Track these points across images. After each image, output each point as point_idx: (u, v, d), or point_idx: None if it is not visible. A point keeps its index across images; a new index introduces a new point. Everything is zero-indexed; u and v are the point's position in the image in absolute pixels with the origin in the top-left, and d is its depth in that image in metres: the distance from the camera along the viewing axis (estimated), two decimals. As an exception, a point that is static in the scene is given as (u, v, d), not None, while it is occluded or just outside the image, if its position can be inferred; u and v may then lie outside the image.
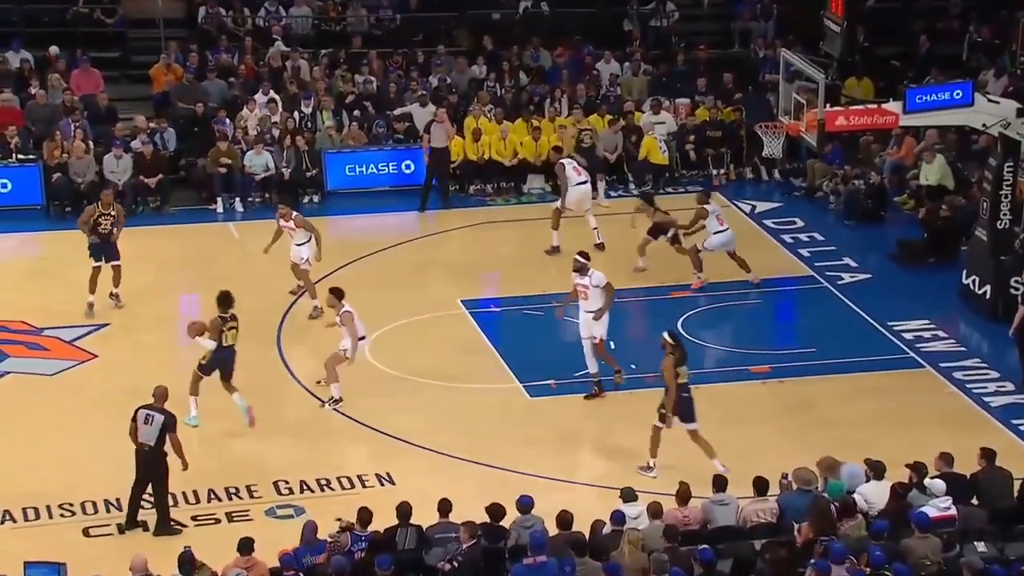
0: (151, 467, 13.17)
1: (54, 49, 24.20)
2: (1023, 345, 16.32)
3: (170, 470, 13.37)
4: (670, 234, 19.27)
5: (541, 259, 20.36)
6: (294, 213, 18.12)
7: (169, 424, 13.08)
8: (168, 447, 13.29)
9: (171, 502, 13.71)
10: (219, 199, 22.41)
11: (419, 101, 23.94)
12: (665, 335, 14.30)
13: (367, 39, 26.05)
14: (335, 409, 15.75)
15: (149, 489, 13.38)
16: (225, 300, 15.19)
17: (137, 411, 13.25)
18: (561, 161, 20.48)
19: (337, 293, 15.73)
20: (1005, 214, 18.01)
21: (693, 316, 18.36)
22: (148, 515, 13.44)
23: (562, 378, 16.44)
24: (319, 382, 16.16)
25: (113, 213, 18.08)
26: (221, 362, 15.06)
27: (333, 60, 25.25)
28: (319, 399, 16.06)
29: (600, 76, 25.55)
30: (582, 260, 15.93)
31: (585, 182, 20.32)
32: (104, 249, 17.99)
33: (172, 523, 13.28)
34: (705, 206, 19.40)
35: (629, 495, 12.43)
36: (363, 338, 15.78)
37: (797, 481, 12.30)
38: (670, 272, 19.64)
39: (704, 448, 14.19)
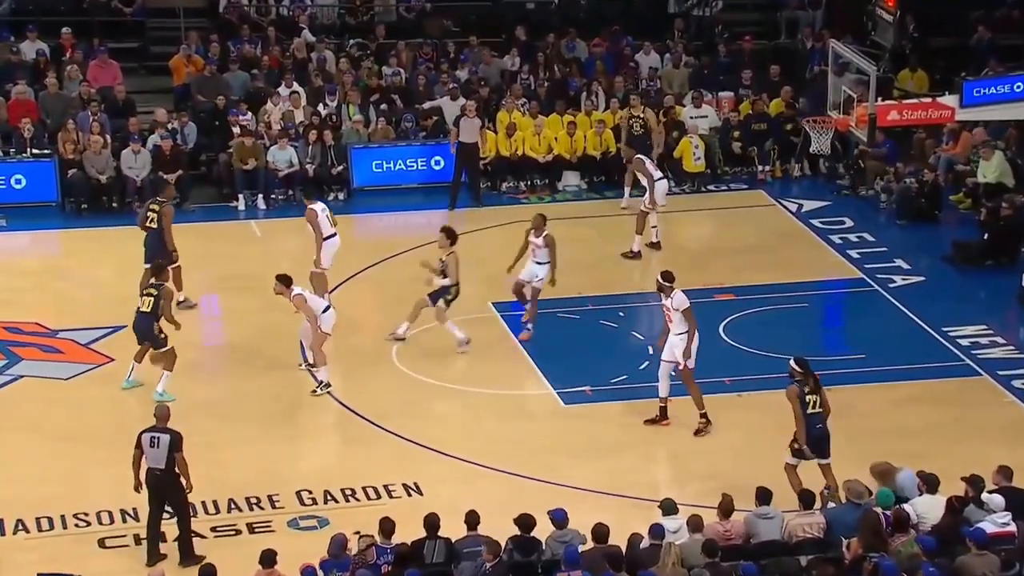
0: (166, 492, 13.01)
1: (67, 30, 24.28)
2: None
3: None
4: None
5: (576, 260, 20.31)
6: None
7: (175, 443, 12.90)
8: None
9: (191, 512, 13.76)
10: (241, 196, 22.50)
11: (449, 94, 23.98)
12: (792, 362, 13.78)
13: (395, 29, 26.10)
14: (328, 393, 16.07)
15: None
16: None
17: (141, 435, 13.02)
18: (638, 156, 20.29)
19: (284, 280, 16.07)
20: (1068, 213, 17.84)
21: (736, 320, 18.27)
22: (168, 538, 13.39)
23: (598, 385, 16.40)
24: (301, 365, 16.48)
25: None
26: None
27: (360, 51, 25.31)
28: (335, 397, 16.11)
29: (639, 68, 25.50)
30: (662, 281, 15.54)
31: (663, 177, 20.20)
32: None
33: (197, 556, 12.89)
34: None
35: (669, 507, 12.36)
36: (327, 308, 16.25)
37: (849, 494, 12.20)
38: (713, 274, 19.57)
39: (831, 482, 13.59)
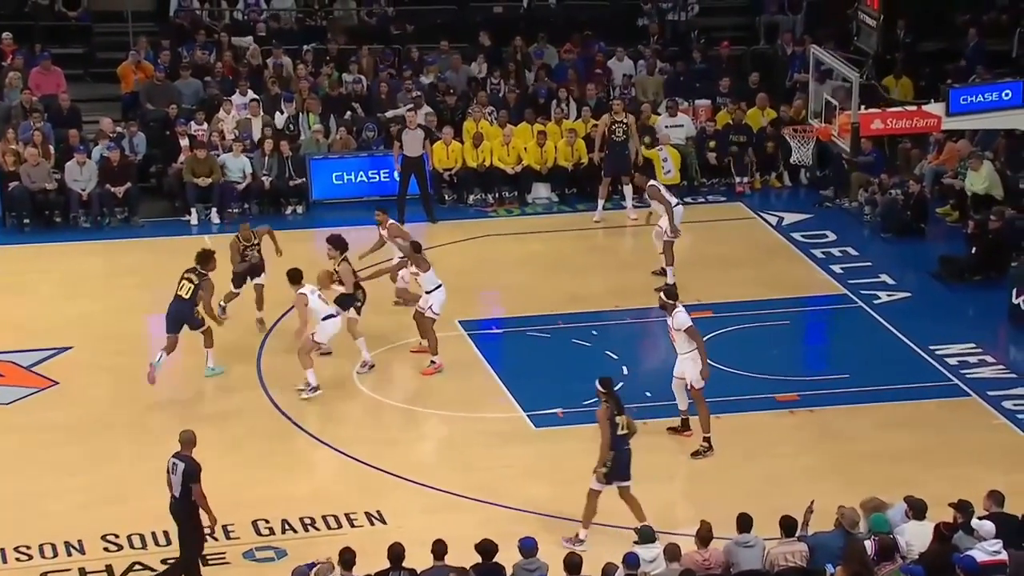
0: (178, 520, 12.95)
1: (7, 35, 24.17)
2: None
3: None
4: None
5: (547, 276, 20.36)
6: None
7: (191, 473, 12.78)
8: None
9: (139, 544, 13.69)
10: (193, 210, 22.45)
11: (413, 102, 24.00)
12: (597, 383, 13.90)
13: (355, 34, 26.13)
14: (308, 397, 16.45)
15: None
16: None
17: (170, 458, 12.96)
18: (653, 184, 19.97)
19: (293, 277, 16.70)
20: (1059, 226, 18.01)
21: (714, 338, 18.33)
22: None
23: (570, 407, 16.41)
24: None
25: (256, 242, 18.33)
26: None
27: (318, 57, 25.33)
28: (305, 429, 16.08)
29: (612, 75, 25.61)
30: (664, 299, 15.65)
31: (680, 202, 20.00)
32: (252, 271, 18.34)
33: None
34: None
35: (646, 535, 12.39)
36: (329, 317, 16.79)
37: (843, 519, 12.24)
38: (689, 290, 19.63)
39: (633, 508, 13.84)
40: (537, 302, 19.38)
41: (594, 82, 25.02)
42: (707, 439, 15.52)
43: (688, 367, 15.43)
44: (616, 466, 13.70)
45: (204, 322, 16.82)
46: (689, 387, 15.45)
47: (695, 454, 15.51)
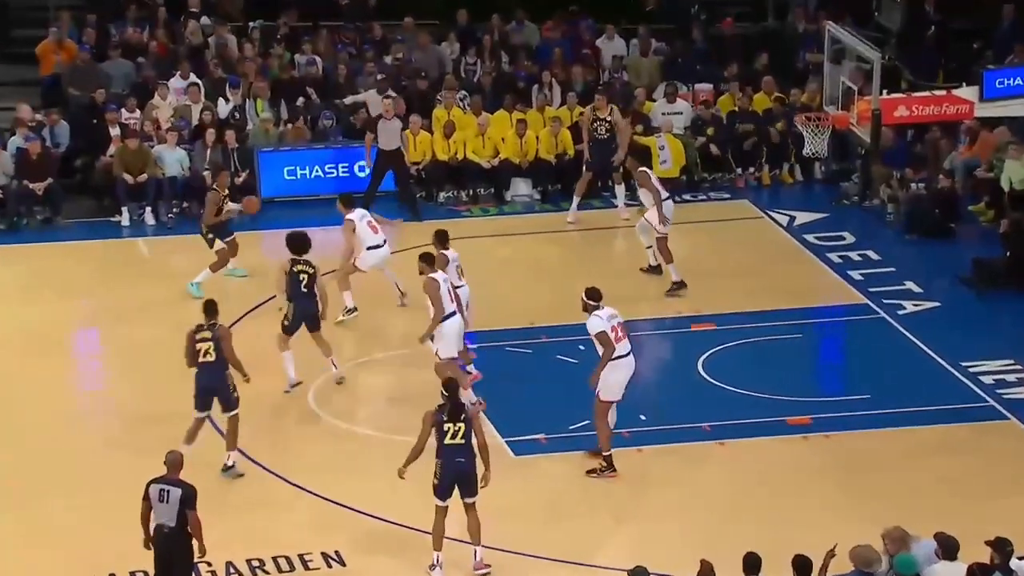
0: (174, 555, 12.97)
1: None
2: None
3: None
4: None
5: (528, 284, 20.37)
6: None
7: (188, 498, 12.88)
8: None
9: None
10: (124, 209, 22.40)
11: (376, 87, 24.00)
12: (442, 384, 14.16)
13: (310, 9, 26.12)
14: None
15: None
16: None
17: (148, 486, 13.00)
18: (643, 169, 20.34)
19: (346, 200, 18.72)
20: (1107, 227, 18.11)
21: (717, 354, 18.38)
22: None
23: (554, 432, 16.42)
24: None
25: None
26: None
27: (267, 36, 25.31)
28: (255, 460, 16.05)
29: (601, 56, 25.66)
30: (585, 299, 15.80)
31: (668, 197, 20.24)
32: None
33: None
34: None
35: (639, 577, 12.39)
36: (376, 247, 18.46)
37: (856, 560, 12.27)
38: (690, 300, 19.68)
39: (470, 529, 13.96)
40: (517, 313, 19.38)
41: (581, 64, 25.06)
42: (607, 458, 15.64)
43: (602, 377, 15.51)
44: (446, 478, 13.79)
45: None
46: (595, 398, 15.54)
47: (591, 472, 15.65)
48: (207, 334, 15.42)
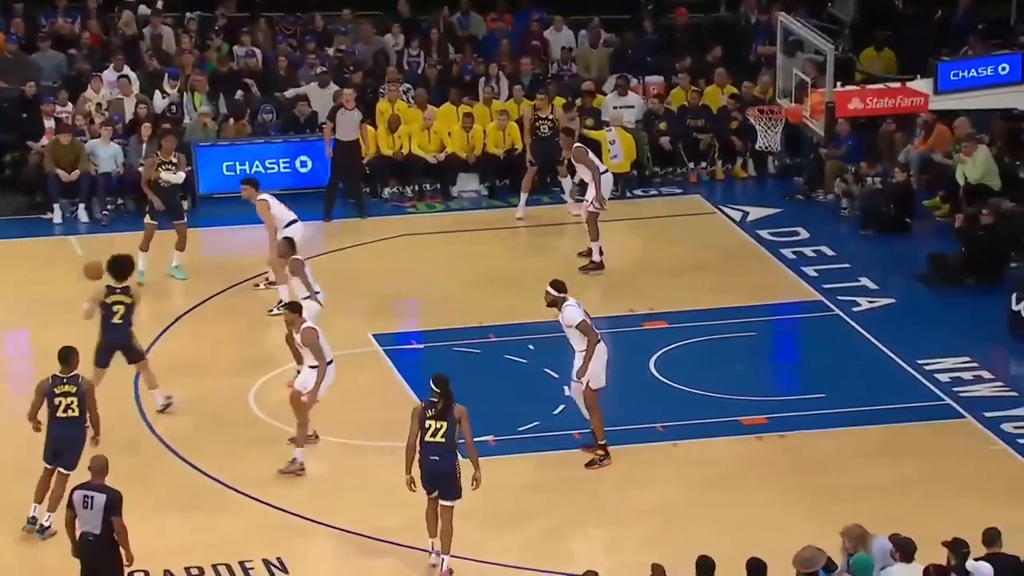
0: (100, 564, 12.93)
1: None
2: None
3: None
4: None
5: (476, 282, 20.37)
6: (259, 195, 19.34)
7: (113, 504, 12.85)
8: None
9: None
10: (57, 206, 22.26)
11: (318, 79, 23.95)
12: (432, 379, 14.05)
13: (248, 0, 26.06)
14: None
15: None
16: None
17: (72, 493, 13.00)
18: (579, 145, 20.55)
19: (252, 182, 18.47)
20: (1063, 221, 18.28)
21: (670, 352, 18.45)
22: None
23: (503, 433, 16.44)
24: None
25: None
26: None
27: (205, 27, 25.19)
28: (191, 463, 16.00)
29: (550, 48, 25.68)
30: (553, 293, 15.93)
31: (607, 171, 20.50)
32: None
33: None
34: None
35: (591, 584, 12.42)
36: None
37: (797, 564, 12.35)
38: (641, 297, 19.74)
39: (429, 524, 14.11)
40: (464, 313, 19.39)
41: (529, 56, 25.09)
42: (603, 446, 15.85)
43: (581, 363, 15.71)
44: (422, 475, 13.92)
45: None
46: (585, 388, 15.69)
47: (590, 464, 15.83)
48: (70, 387, 14.35)
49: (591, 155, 20.29)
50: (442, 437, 13.85)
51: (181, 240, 20.24)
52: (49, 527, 14.45)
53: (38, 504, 14.48)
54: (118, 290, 16.31)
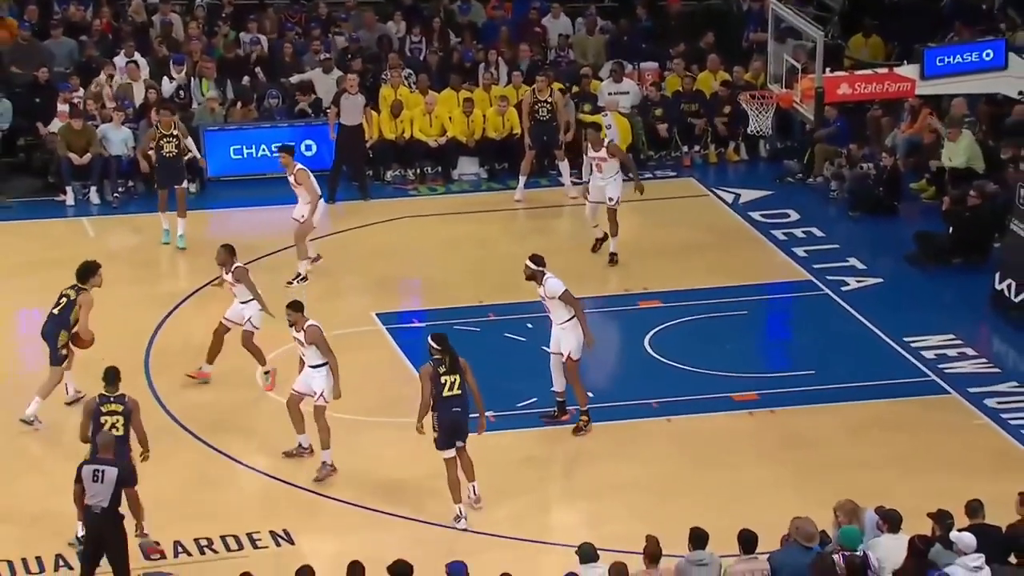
0: (107, 535, 12.96)
1: None
2: None
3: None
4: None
5: (476, 262, 20.36)
6: (297, 165, 19.40)
7: (124, 477, 12.92)
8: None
9: (8, 572, 13.57)
10: (69, 189, 22.22)
11: (322, 66, 23.89)
12: (430, 339, 14.53)
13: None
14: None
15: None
16: None
17: (81, 467, 12.99)
18: (611, 141, 20.46)
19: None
20: (1047, 203, 18.27)
21: (664, 331, 18.44)
22: None
23: (502, 409, 16.43)
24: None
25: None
26: None
27: (212, 14, 25.13)
28: (200, 438, 16.00)
29: (547, 35, 25.62)
30: (533, 266, 16.00)
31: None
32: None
33: None
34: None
35: (588, 554, 12.43)
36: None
37: (797, 534, 12.36)
38: (636, 277, 19.72)
39: (464, 467, 14.50)
40: (464, 292, 19.38)
41: (528, 43, 25.02)
42: (586, 413, 16.03)
43: (566, 338, 15.77)
44: (445, 429, 14.34)
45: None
46: (566, 359, 15.77)
47: (576, 430, 16.01)
48: (116, 407, 13.91)
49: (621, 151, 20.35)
50: (458, 389, 14.38)
51: (181, 207, 20.43)
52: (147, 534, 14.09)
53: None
54: (75, 288, 16.04)
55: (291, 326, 15.40)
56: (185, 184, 20.83)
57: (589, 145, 19.82)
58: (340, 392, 15.26)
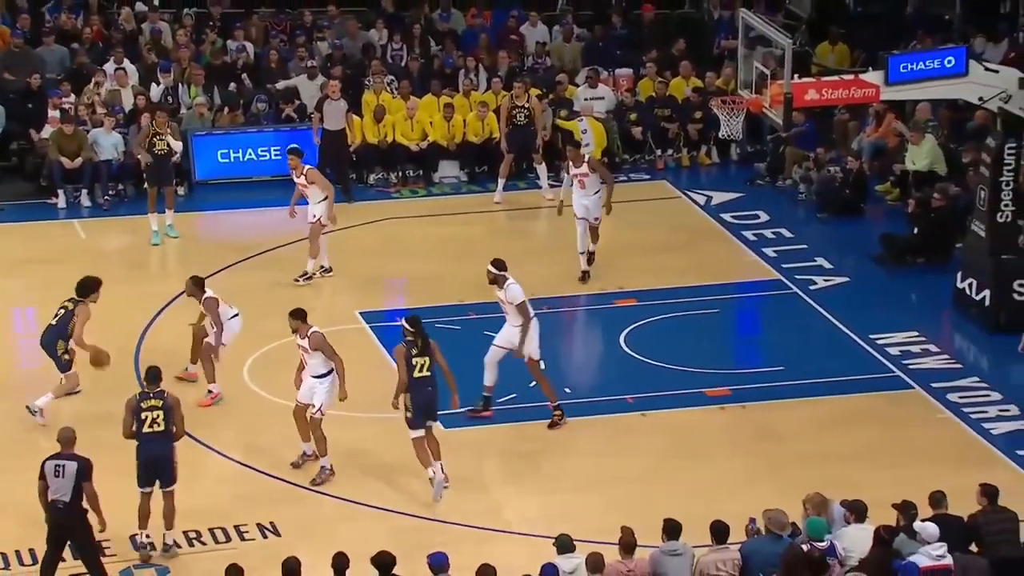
0: (70, 528, 12.97)
1: None
2: None
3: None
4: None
5: (456, 262, 20.37)
6: (307, 166, 19.36)
7: (83, 471, 12.91)
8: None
9: (2, 564, 13.54)
10: (61, 191, 22.17)
11: (307, 72, 23.88)
12: (404, 321, 14.95)
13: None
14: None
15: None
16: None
17: (44, 464, 13.01)
18: (592, 156, 20.19)
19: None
20: (1006, 204, 18.32)
21: (638, 328, 18.48)
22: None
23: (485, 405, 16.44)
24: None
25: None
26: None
27: (200, 23, 25.10)
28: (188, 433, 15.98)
29: (525, 42, 25.65)
30: (495, 270, 16.10)
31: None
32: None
33: None
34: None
35: (565, 544, 12.46)
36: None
37: (770, 524, 12.41)
38: (612, 277, 19.76)
39: (431, 448, 14.73)
40: (445, 291, 19.39)
41: (506, 50, 25.05)
42: (559, 407, 16.07)
43: (517, 340, 15.92)
44: (417, 408, 14.65)
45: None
46: (527, 359, 15.94)
47: (552, 425, 16.02)
48: (156, 402, 13.82)
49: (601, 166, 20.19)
50: (428, 370, 14.66)
51: (170, 200, 20.65)
52: (172, 544, 14.01)
53: (143, 529, 13.89)
54: (73, 299, 16.09)
55: (294, 333, 15.24)
56: (175, 185, 20.88)
57: (570, 162, 19.50)
58: (346, 393, 15.16)
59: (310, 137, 22.57)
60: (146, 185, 20.84)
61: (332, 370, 15.13)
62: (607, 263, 19.98)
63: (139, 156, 20.86)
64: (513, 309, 15.98)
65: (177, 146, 20.79)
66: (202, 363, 16.66)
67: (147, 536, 13.86)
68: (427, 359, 14.66)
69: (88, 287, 16.24)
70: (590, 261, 19.74)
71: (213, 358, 16.48)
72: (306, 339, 15.11)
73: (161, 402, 13.77)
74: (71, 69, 23.89)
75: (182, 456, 15.23)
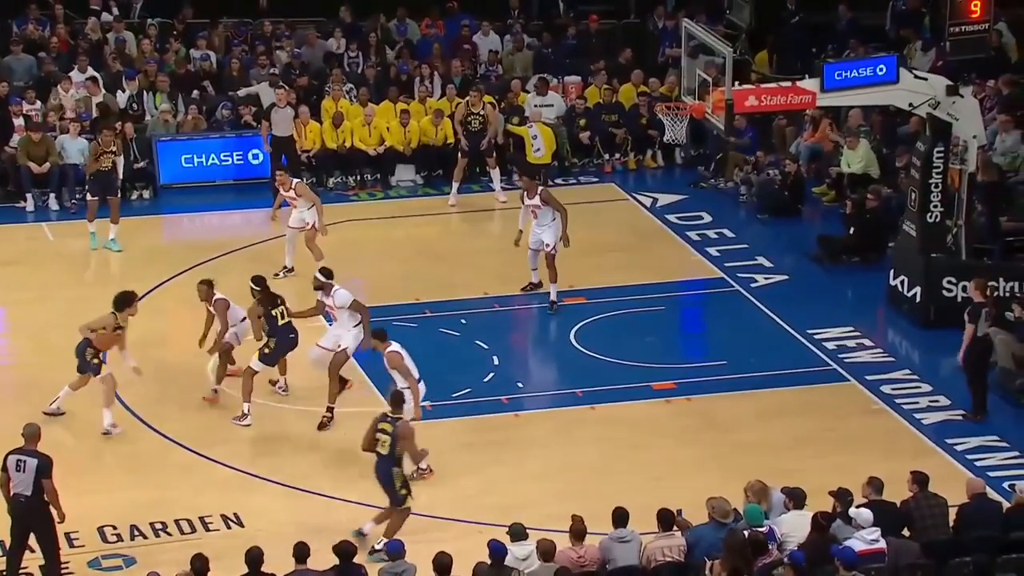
0: (32, 521, 12.93)
1: None
2: (974, 372, 16.41)
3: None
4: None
5: (413, 263, 20.35)
6: (294, 181, 19.45)
7: (44, 467, 12.86)
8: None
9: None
10: (29, 195, 21.99)
11: (268, 80, 23.79)
12: (251, 281, 15.96)
13: (204, 7, 25.78)
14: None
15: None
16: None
17: (7, 457, 12.96)
18: (543, 188, 19.22)
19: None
20: (935, 205, 18.47)
21: (587, 326, 18.50)
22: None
23: (438, 399, 16.43)
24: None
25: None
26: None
27: (164, 32, 24.96)
28: (145, 422, 15.88)
29: (478, 51, 25.64)
30: (322, 278, 16.14)
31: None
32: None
33: None
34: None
35: (518, 532, 12.47)
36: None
37: (713, 512, 12.46)
38: (562, 277, 19.76)
39: (248, 387, 15.73)
40: (402, 290, 19.35)
41: (460, 58, 25.03)
42: (330, 409, 15.99)
43: (350, 340, 15.95)
44: (281, 350, 16.00)
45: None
46: (340, 351, 15.98)
47: (321, 426, 15.97)
48: (387, 426, 13.81)
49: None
50: (287, 317, 16.08)
51: (114, 214, 20.37)
52: (381, 550, 13.55)
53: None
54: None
55: (373, 350, 15.47)
56: (119, 196, 20.58)
57: (524, 193, 18.93)
58: (420, 414, 14.98)
59: (272, 141, 22.47)
60: (88, 196, 20.56)
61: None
62: (558, 262, 19.96)
63: (88, 171, 20.67)
64: (344, 312, 15.94)
65: (121, 162, 20.59)
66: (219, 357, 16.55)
67: None
68: (283, 308, 15.92)
69: (125, 301, 16.01)
70: (551, 308, 18.83)
71: (229, 357, 16.49)
72: (386, 358, 15.19)
73: (391, 427, 13.73)
74: (38, 77, 23.70)
75: (150, 449, 15.18)
